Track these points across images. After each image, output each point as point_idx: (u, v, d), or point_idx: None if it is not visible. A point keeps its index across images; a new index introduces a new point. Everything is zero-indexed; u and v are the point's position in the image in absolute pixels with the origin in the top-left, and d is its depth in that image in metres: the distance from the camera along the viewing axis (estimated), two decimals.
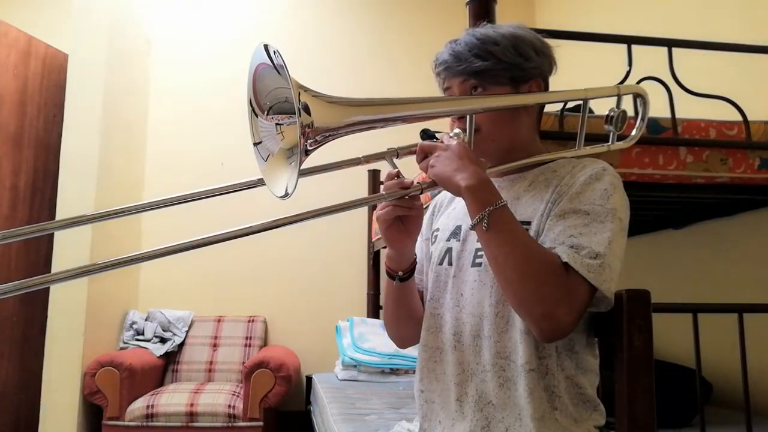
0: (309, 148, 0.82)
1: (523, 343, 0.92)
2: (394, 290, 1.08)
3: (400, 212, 0.96)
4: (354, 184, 3.37)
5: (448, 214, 1.13)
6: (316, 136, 0.82)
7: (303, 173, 0.83)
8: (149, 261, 0.81)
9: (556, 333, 0.86)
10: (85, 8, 3.00)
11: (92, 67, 2.97)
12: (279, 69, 0.81)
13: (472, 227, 0.89)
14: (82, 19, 2.99)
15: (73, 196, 2.84)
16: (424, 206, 1.05)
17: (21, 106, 2.96)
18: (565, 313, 0.84)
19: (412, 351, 2.83)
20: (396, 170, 0.96)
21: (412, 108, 0.97)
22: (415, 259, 1.07)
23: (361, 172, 3.53)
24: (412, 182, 0.95)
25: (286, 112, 0.84)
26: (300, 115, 0.78)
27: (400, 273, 1.05)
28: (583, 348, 0.96)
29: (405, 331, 1.13)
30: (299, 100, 0.79)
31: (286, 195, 0.83)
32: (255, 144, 0.88)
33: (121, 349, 3.10)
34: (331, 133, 0.85)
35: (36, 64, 3.04)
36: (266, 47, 0.82)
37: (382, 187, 0.97)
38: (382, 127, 0.94)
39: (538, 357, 0.92)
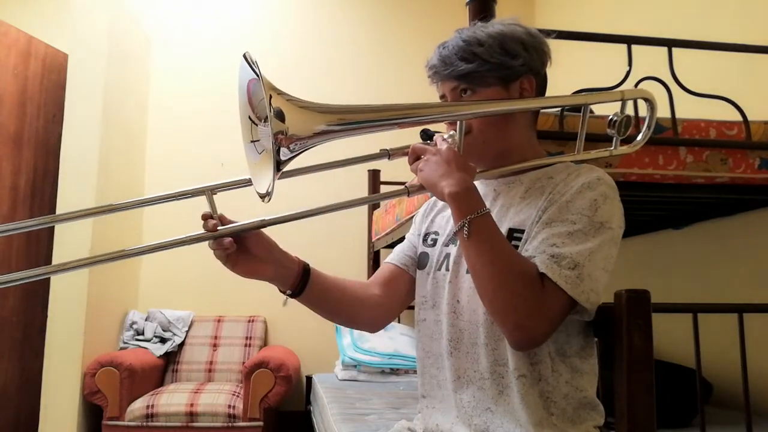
0: (282, 158, 0.79)
1: (512, 350, 0.92)
2: (303, 302, 1.03)
3: (220, 255, 0.90)
4: (355, 183, 3.37)
5: (448, 218, 1.10)
6: (289, 144, 0.80)
7: (291, 174, 0.84)
8: (150, 259, 0.82)
9: (529, 343, 0.87)
10: (85, 8, 3.00)
11: (92, 67, 2.97)
12: (260, 78, 0.79)
13: (455, 234, 0.90)
14: (82, 19, 2.99)
15: (73, 196, 2.84)
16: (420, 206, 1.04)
17: (21, 106, 2.96)
18: (537, 325, 0.84)
19: (412, 351, 2.83)
20: (208, 212, 0.89)
21: (398, 113, 0.93)
22: (300, 272, 0.99)
23: (362, 172, 3.53)
24: (216, 225, 0.87)
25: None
26: (271, 123, 0.76)
27: (289, 291, 1.00)
28: (576, 352, 0.95)
29: (350, 318, 1.09)
30: (270, 105, 0.77)
31: (267, 195, 0.82)
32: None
33: (121, 349, 3.10)
34: (302, 142, 0.81)
35: (36, 64, 3.04)
36: (246, 58, 0.81)
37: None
38: (361, 134, 0.91)
39: (529, 363, 0.92)
